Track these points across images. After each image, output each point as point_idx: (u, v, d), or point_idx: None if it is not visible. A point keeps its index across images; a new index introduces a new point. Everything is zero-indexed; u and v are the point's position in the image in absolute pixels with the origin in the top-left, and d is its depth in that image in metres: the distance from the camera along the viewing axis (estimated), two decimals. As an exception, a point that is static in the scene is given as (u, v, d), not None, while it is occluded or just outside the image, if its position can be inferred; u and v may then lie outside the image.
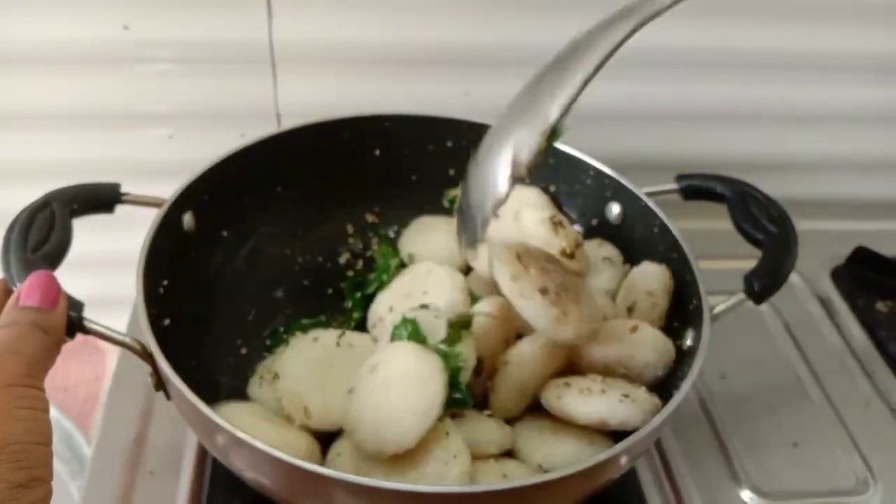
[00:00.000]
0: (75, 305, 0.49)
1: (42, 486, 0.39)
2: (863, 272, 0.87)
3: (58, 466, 0.80)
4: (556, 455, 0.56)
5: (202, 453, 0.63)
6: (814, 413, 0.73)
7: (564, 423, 0.56)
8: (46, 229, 0.54)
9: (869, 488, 0.67)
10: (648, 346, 0.58)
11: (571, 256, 0.63)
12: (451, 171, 0.77)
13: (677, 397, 0.51)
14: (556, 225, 0.65)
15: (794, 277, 0.86)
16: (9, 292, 0.50)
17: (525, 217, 0.67)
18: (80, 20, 0.77)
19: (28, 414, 0.41)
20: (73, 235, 0.56)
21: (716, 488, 0.65)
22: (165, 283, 0.59)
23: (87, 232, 0.59)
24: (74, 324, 0.48)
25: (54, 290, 0.47)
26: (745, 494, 0.65)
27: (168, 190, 0.63)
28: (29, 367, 0.42)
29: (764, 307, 0.83)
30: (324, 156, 0.73)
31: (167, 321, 0.57)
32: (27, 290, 0.46)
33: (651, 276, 0.64)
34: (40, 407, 0.42)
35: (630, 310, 0.63)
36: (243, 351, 0.68)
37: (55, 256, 0.53)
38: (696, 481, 0.66)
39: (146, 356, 0.51)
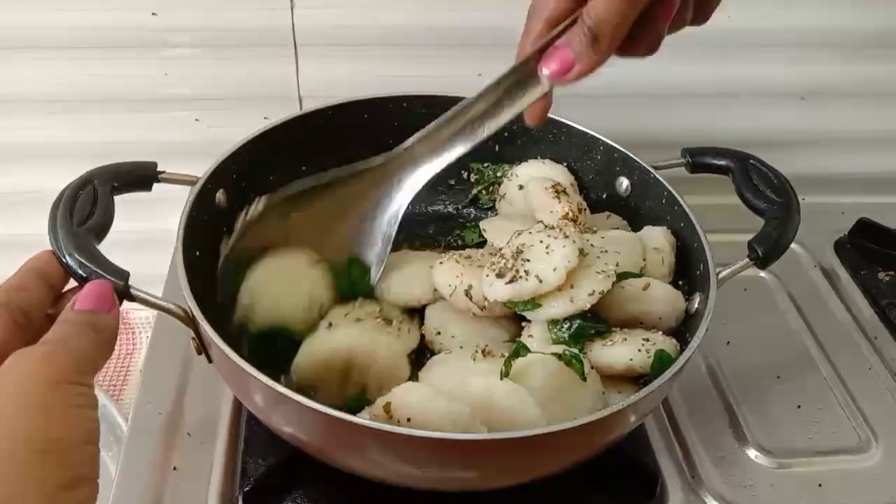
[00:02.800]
0: (121, 274, 0.52)
1: (88, 485, 0.41)
2: (865, 244, 0.90)
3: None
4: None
5: (236, 420, 0.66)
6: (818, 377, 0.76)
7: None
8: (90, 205, 0.56)
9: (871, 447, 0.69)
10: (661, 300, 0.62)
11: (575, 220, 0.67)
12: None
13: (686, 353, 0.54)
14: (558, 193, 0.69)
15: (798, 249, 0.89)
16: (47, 278, 0.50)
17: (530, 187, 0.71)
18: (110, 7, 0.79)
19: (77, 412, 0.41)
20: (114, 212, 0.58)
21: (723, 447, 0.68)
22: (199, 254, 0.62)
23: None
24: (121, 291, 0.51)
25: (109, 297, 0.49)
26: (751, 453, 0.68)
27: (194, 170, 0.65)
28: (77, 364, 0.43)
29: (769, 278, 0.86)
30: (345, 136, 0.75)
31: (202, 291, 0.60)
32: (83, 296, 0.48)
33: (655, 236, 0.68)
34: (88, 404, 0.43)
35: (641, 268, 0.66)
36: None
37: (100, 230, 0.55)
38: (704, 441, 0.68)
39: (189, 321, 0.54)
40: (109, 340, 0.47)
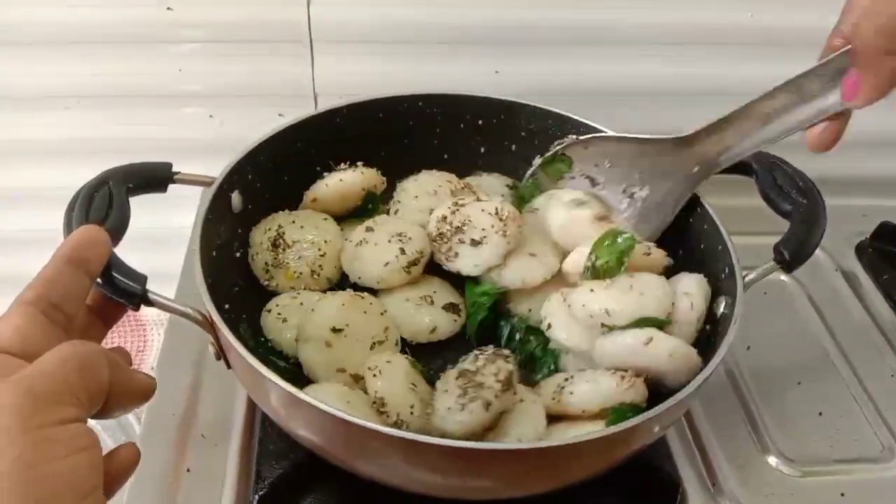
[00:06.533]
0: (139, 278, 0.51)
1: None
2: (887, 247, 0.89)
3: (98, 431, 0.83)
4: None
5: (250, 421, 0.66)
6: (839, 384, 0.74)
7: None
8: (105, 207, 0.55)
9: (894, 456, 0.68)
10: (664, 356, 0.58)
11: (604, 219, 0.67)
12: (482, 149, 0.79)
13: (715, 359, 0.53)
14: (581, 203, 0.70)
15: (818, 253, 0.87)
16: (82, 264, 0.45)
17: (559, 194, 0.71)
18: (124, 3, 0.78)
19: (45, 473, 0.33)
20: (130, 213, 0.57)
21: (743, 455, 0.67)
22: (215, 254, 0.61)
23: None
24: (139, 296, 0.51)
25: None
26: (772, 461, 0.67)
27: (208, 168, 0.64)
28: (57, 394, 0.35)
29: (789, 282, 0.85)
30: (360, 135, 0.75)
31: (219, 294, 0.59)
32: None
33: (688, 283, 0.63)
34: (70, 452, 0.34)
35: (668, 314, 0.62)
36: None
37: (116, 233, 0.54)
38: (724, 449, 0.67)
39: (208, 326, 0.53)
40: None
